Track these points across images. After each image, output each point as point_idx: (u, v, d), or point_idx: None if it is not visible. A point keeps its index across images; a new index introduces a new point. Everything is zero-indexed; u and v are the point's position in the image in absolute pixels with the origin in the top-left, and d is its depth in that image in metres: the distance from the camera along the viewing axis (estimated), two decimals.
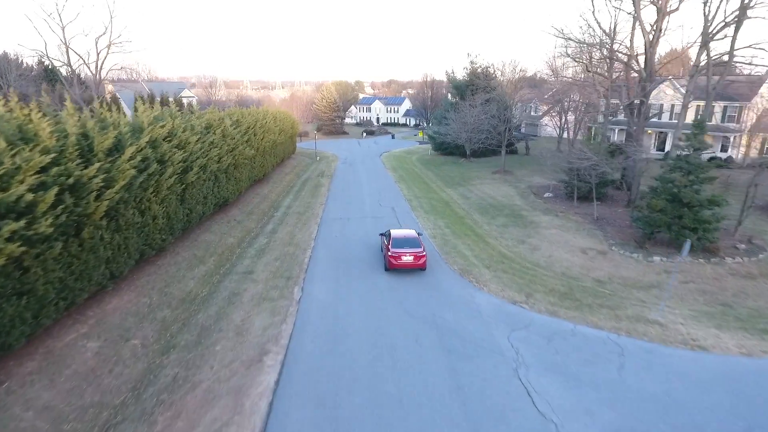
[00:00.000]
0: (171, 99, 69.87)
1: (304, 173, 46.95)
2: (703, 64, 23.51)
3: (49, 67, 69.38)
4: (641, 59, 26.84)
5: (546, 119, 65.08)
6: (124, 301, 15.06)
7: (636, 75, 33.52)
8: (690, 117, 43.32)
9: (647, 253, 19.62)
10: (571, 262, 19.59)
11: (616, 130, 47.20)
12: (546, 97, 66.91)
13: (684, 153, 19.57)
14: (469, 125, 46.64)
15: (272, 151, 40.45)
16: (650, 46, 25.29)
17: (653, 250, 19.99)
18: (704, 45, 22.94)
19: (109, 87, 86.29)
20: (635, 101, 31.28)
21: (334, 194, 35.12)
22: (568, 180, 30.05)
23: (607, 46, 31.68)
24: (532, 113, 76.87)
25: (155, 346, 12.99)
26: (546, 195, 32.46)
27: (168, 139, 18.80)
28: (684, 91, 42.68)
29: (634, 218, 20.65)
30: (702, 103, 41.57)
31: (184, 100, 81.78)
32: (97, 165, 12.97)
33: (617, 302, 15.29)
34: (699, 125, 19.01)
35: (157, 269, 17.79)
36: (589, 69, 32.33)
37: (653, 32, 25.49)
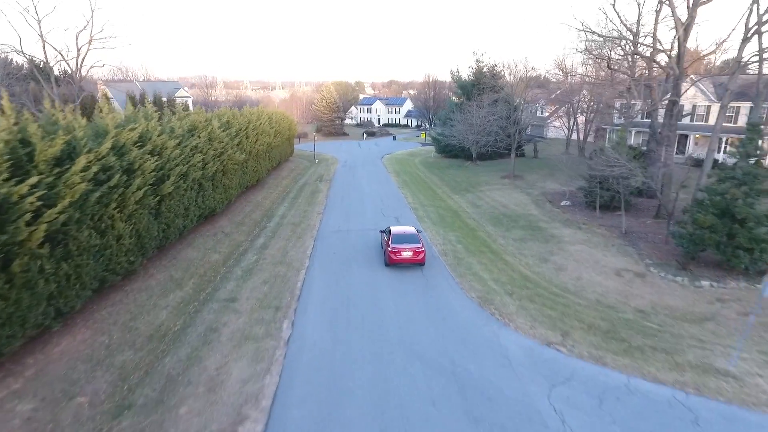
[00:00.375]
0: (164, 99, 67.48)
1: (302, 177, 44.39)
2: (745, 59, 20.91)
3: (40, 65, 67.00)
4: (668, 55, 24.24)
5: (553, 120, 62.44)
6: (76, 342, 12.47)
7: (661, 72, 30.94)
8: (712, 119, 40.79)
9: (693, 277, 17.01)
10: (605, 286, 16.97)
11: (633, 133, 44.54)
12: (552, 97, 64.44)
13: (734, 160, 16.96)
14: (476, 127, 44.06)
15: (267, 154, 37.88)
16: (683, 39, 22.71)
17: (699, 272, 17.38)
18: (748, 38, 20.35)
19: (102, 86, 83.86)
20: (664, 101, 28.69)
21: (333, 201, 32.53)
22: (588, 187, 27.45)
23: (629, 40, 29.14)
24: (538, 114, 74.37)
25: (107, 404, 10.38)
26: (563, 203, 29.85)
27: (139, 144, 16.22)
28: (706, 92, 40.18)
29: (675, 235, 18.05)
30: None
31: (179, 100, 79.32)
32: (34, 179, 10.39)
33: (672, 343, 12.67)
34: (754, 128, 16.42)
35: (123, 297, 15.20)
36: (611, 66, 29.73)
37: (684, 24, 22.89)
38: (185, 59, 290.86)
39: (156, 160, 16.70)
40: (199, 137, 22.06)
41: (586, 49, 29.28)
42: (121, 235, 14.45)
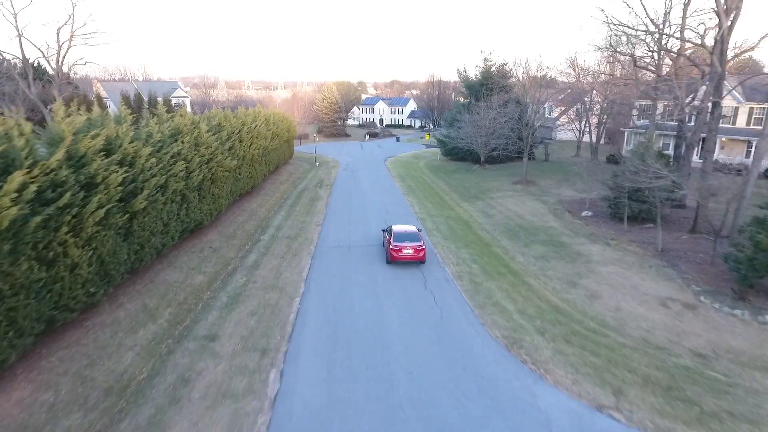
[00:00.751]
0: (159, 99, 65.25)
1: (301, 182, 42.01)
2: None
3: (37, 65, 64.83)
4: (710, 51, 21.71)
5: (565, 123, 59.84)
6: (11, 403, 10.05)
7: (692, 71, 28.46)
8: (740, 121, 38.19)
9: (754, 310, 14.51)
10: (651, 320, 14.48)
11: (654, 136, 41.72)
12: (561, 97, 61.81)
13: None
14: (486, 129, 41.57)
15: (264, 158, 35.49)
16: (727, 34, 20.20)
17: (760, 303, 14.88)
18: None
19: (97, 85, 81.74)
20: (693, 103, 26.22)
21: (334, 210, 30.12)
22: (614, 197, 24.90)
23: (660, 33, 26.70)
24: (546, 114, 71.69)
25: None
26: (584, 214, 27.34)
27: (104, 153, 13.82)
28: (733, 92, 37.56)
29: (730, 258, 15.54)
30: (755, 105, 36.42)
31: (176, 100, 77.03)
32: None
33: (751, 405, 10.19)
34: None
35: (82, 335, 12.79)
36: (637, 64, 27.20)
37: (729, 17, 20.38)
38: (188, 59, 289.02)
39: (125, 172, 14.31)
40: (183, 143, 19.68)
41: (610, 45, 26.78)
42: (76, 264, 12.05)
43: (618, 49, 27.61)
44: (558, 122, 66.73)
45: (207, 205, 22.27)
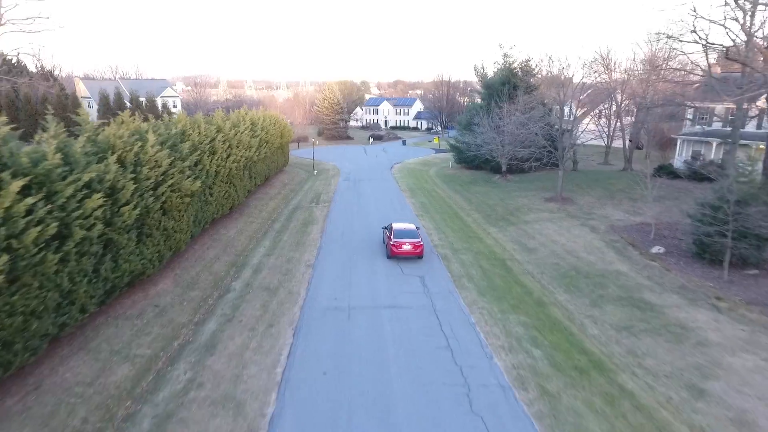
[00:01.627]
0: (143, 99, 59.06)
1: (295, 196, 35.89)
2: None
3: (14, 62, 59.03)
4: None
5: (593, 126, 53.40)
6: None
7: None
8: None
9: None
10: None
11: (714, 145, 35.17)
12: (583, 97, 55.45)
13: None
14: (514, 135, 35.26)
15: (247, 171, 29.38)
16: None
17: None
18: None
19: (80, 84, 75.85)
20: None
21: (331, 239, 23.91)
22: (709, 234, 18.46)
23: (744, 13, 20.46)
24: (565, 117, 65.29)
25: None
26: (655, 250, 20.99)
27: None
28: None
29: None
30: None
31: (162, 101, 71.00)
32: None
33: None
34: None
35: None
36: (730, 56, 20.88)
37: None
38: (190, 59, 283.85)
39: None
40: (109, 164, 13.52)
41: (693, 30, 20.53)
42: None
43: (700, 35, 21.18)
44: (581, 125, 60.28)
45: (153, 246, 16.11)
